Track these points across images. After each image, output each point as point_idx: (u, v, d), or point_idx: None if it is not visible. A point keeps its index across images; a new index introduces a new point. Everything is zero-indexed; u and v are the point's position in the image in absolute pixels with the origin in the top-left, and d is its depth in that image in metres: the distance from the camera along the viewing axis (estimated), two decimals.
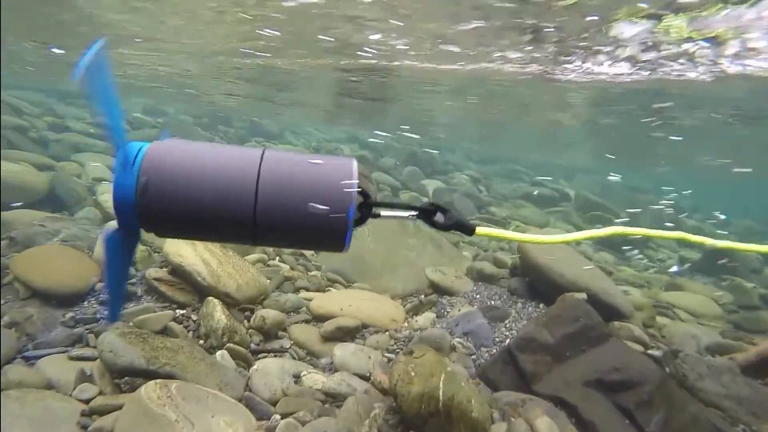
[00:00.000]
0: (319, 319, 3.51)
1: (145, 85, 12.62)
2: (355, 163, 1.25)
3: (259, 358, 2.93)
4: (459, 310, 3.77)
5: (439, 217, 1.44)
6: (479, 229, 1.41)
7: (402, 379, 2.00)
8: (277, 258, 5.00)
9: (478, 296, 4.08)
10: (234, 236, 1.20)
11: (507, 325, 3.50)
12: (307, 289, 4.17)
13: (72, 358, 2.61)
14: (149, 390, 2.02)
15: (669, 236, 1.54)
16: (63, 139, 8.69)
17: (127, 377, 2.28)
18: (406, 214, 1.36)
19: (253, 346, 3.07)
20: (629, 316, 3.84)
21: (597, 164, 25.02)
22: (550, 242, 1.44)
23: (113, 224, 1.25)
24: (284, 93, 11.65)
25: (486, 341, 3.24)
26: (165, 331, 3.00)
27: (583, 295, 3.58)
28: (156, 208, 1.08)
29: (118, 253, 1.20)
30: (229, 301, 3.32)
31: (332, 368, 2.95)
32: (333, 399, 2.59)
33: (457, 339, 3.28)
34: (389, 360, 3.03)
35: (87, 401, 2.23)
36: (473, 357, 3.14)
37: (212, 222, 1.13)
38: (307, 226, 1.18)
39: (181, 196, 1.10)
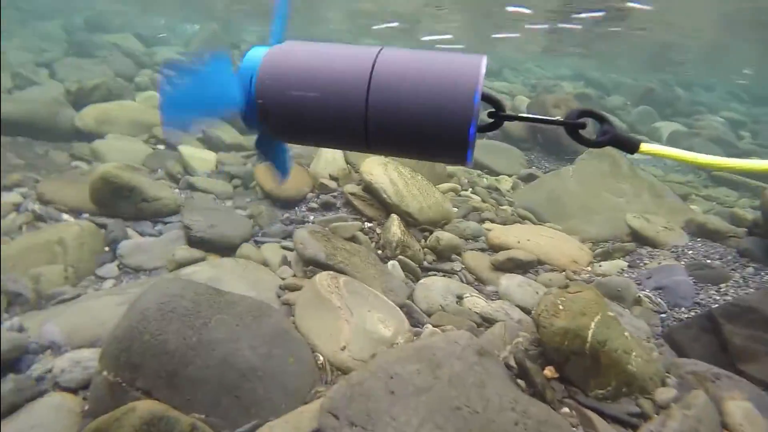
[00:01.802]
0: (495, 249, 3.47)
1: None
2: (483, 63, 1.08)
3: (428, 275, 3.11)
4: (659, 263, 3.20)
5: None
6: (645, 146, 1.09)
7: (547, 310, 1.86)
8: (470, 189, 5.05)
9: (690, 252, 3.35)
10: (344, 144, 1.20)
11: (722, 290, 2.80)
12: (492, 221, 4.14)
13: (282, 247, 3.25)
14: (322, 278, 2.40)
15: None
16: None
17: (311, 266, 2.74)
18: (552, 118, 1.14)
19: (425, 263, 3.27)
20: None
21: None
22: (752, 168, 1.04)
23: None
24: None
25: (684, 301, 2.68)
26: (353, 239, 3.44)
27: None
28: (269, 105, 1.13)
29: (216, 89, 1.23)
30: (410, 221, 3.57)
31: (497, 296, 2.94)
32: (488, 323, 2.60)
33: (646, 292, 2.81)
34: None
35: (284, 279, 2.79)
36: (662, 315, 2.66)
37: (323, 127, 1.15)
38: (422, 134, 1.09)
39: (292, 101, 1.13)
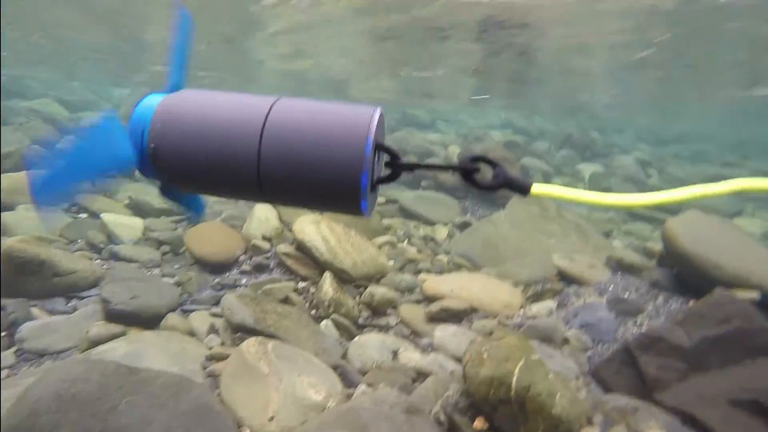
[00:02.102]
0: (430, 299, 3.51)
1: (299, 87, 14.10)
2: (376, 114, 1.05)
3: (364, 332, 3.07)
4: (584, 301, 3.36)
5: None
6: (537, 187, 1.15)
7: (472, 360, 1.88)
8: (406, 241, 5.13)
9: (611, 287, 3.56)
10: (240, 194, 1.18)
11: (638, 321, 2.98)
12: (429, 272, 4.20)
13: (211, 315, 3.11)
14: (249, 345, 2.30)
15: None
16: None
17: (240, 333, 2.62)
18: (447, 165, 1.17)
19: (361, 320, 3.23)
20: None
21: None
22: (633, 205, 1.12)
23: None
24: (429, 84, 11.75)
25: (606, 336, 2.82)
26: (287, 300, 3.36)
27: (753, 294, 2.83)
28: (162, 153, 1.11)
29: (107, 148, 1.14)
30: (344, 277, 3.55)
31: (432, 348, 2.93)
32: (423, 377, 2.58)
33: (573, 331, 2.92)
34: None
35: (211, 348, 2.65)
36: (588, 353, 2.76)
37: (216, 176, 1.12)
38: (315, 184, 1.09)
39: (185, 148, 1.11)
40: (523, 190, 1.13)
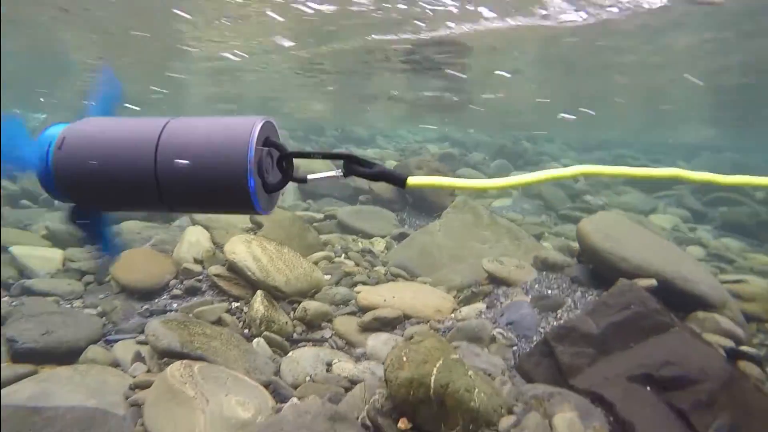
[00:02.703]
0: (364, 310, 3.55)
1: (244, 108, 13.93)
2: (258, 123, 1.17)
3: (298, 347, 3.06)
4: (511, 300, 3.54)
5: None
6: (412, 179, 1.26)
7: (392, 364, 1.95)
8: (344, 255, 5.16)
9: (537, 286, 3.78)
10: (146, 205, 1.26)
11: (558, 315, 3.19)
12: (365, 284, 4.24)
13: (138, 343, 2.98)
14: (173, 369, 2.24)
15: (661, 175, 1.23)
16: None
17: (166, 358, 2.54)
18: (333, 173, 1.28)
19: (295, 335, 3.22)
20: (720, 306, 3.24)
21: (726, 139, 21.57)
22: (493, 186, 1.25)
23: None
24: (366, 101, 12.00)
25: (529, 332, 2.99)
26: (219, 321, 3.29)
27: (652, 281, 3.12)
28: (68, 176, 1.19)
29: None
30: (278, 294, 3.53)
31: (365, 357, 2.97)
32: (354, 386, 2.61)
33: (498, 330, 3.08)
34: None
35: (135, 377, 2.54)
36: (514, 348, 2.92)
37: (120, 192, 1.20)
38: (209, 188, 1.19)
39: (90, 166, 1.19)
40: (400, 182, 1.23)
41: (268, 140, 1.25)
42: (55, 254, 4.41)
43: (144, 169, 1.17)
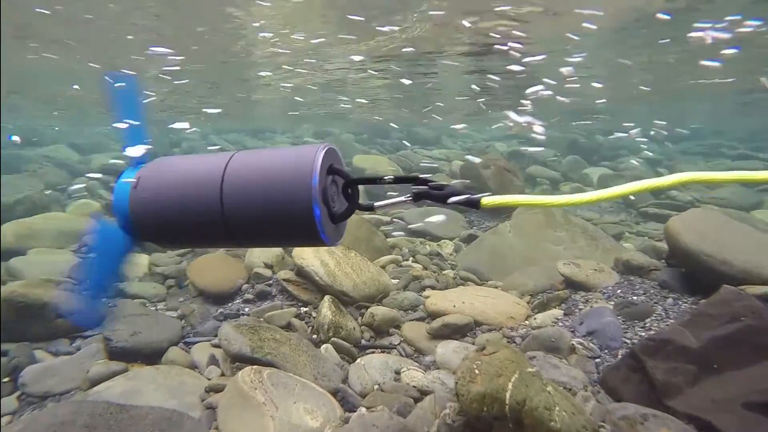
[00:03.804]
0: (433, 316, 3.45)
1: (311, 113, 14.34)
2: (320, 150, 1.19)
3: (366, 353, 3.02)
4: (591, 307, 3.26)
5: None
6: (486, 200, 1.18)
7: (464, 377, 1.83)
8: (411, 259, 5.08)
9: (619, 291, 3.46)
10: (215, 240, 1.28)
11: (646, 325, 2.87)
12: (433, 288, 4.14)
13: (213, 345, 3.10)
14: (244, 374, 2.28)
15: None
16: None
17: (237, 362, 2.60)
18: (401, 198, 1.23)
19: (363, 341, 3.19)
20: None
21: None
22: (579, 202, 1.11)
23: (106, 218, 1.45)
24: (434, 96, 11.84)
25: (613, 342, 2.72)
26: (288, 326, 3.34)
27: (765, 289, 2.71)
28: (143, 216, 1.23)
29: (111, 249, 1.38)
30: (346, 299, 3.52)
31: (435, 366, 2.87)
32: (425, 396, 2.51)
33: (578, 339, 2.83)
34: None
35: (210, 380, 2.63)
36: (596, 360, 2.66)
37: (190, 228, 1.23)
38: (275, 223, 1.17)
39: (161, 206, 1.23)
40: (474, 203, 1.15)
41: (331, 168, 1.22)
42: (143, 259, 4.74)
43: (210, 206, 1.19)
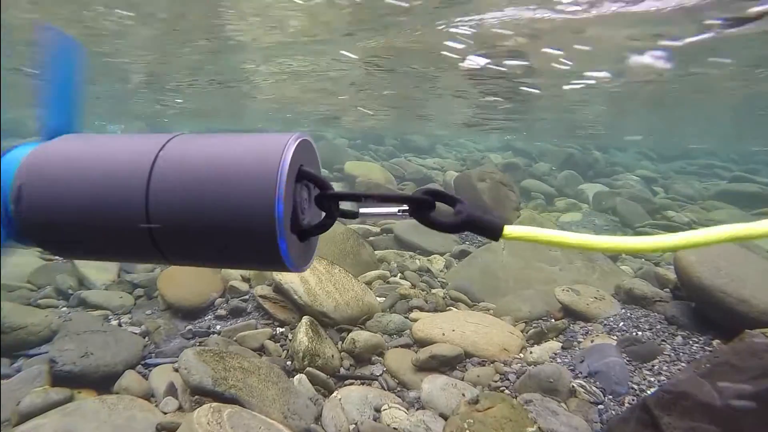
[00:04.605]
0: (420, 343, 3.17)
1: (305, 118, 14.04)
2: (289, 146, 0.84)
3: (345, 385, 2.72)
4: (592, 341, 3.00)
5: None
6: (510, 231, 0.83)
7: None
8: (399, 275, 4.80)
9: (622, 323, 3.20)
10: (135, 254, 0.92)
11: (655, 368, 2.60)
12: (422, 309, 3.86)
13: (175, 369, 2.78)
14: (201, 414, 1.98)
15: None
16: None
17: (197, 396, 2.29)
18: (394, 209, 0.89)
19: (342, 370, 2.90)
20: None
21: None
22: (641, 248, 0.80)
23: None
24: (428, 104, 11.61)
25: (619, 387, 2.45)
26: (261, 348, 3.04)
27: None
28: (31, 216, 0.88)
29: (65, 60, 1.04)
30: (326, 321, 3.23)
31: (420, 404, 2.58)
32: None
33: (580, 381, 2.56)
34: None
35: (166, 414, 2.32)
36: (599, 406, 2.39)
37: (97, 235, 0.88)
38: (221, 237, 0.83)
39: (61, 203, 0.88)
40: (494, 233, 0.82)
41: (303, 172, 0.88)
42: (112, 265, 4.41)
43: (131, 208, 0.84)
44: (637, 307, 3.46)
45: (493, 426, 1.56)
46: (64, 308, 3.75)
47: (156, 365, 2.85)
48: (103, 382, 2.63)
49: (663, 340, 2.87)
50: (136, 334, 3.21)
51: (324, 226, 0.93)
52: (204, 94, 11.12)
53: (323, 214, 0.93)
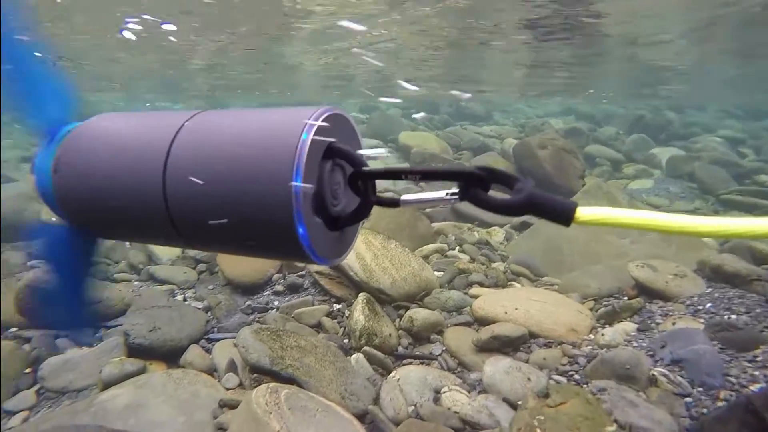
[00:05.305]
0: (481, 322, 3.03)
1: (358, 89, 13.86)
2: (318, 114, 0.73)
3: (403, 365, 2.66)
4: (673, 323, 2.72)
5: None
6: (583, 214, 0.68)
7: None
8: (457, 248, 4.64)
9: (709, 304, 2.87)
10: (162, 239, 0.88)
11: (758, 359, 2.29)
12: (482, 285, 3.70)
13: (236, 345, 2.83)
14: (259, 394, 1.98)
15: None
16: None
17: (256, 374, 2.31)
18: (441, 194, 0.77)
19: (400, 349, 2.83)
20: None
21: None
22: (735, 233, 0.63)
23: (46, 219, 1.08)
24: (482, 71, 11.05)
25: (710, 379, 2.18)
26: (318, 325, 3.04)
27: None
28: (67, 194, 0.88)
29: (66, 254, 1.02)
30: (383, 298, 3.16)
31: (482, 387, 2.46)
32: (471, 428, 2.13)
33: (661, 368, 2.32)
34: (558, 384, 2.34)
35: (228, 390, 2.36)
36: (687, 399, 2.15)
37: (127, 220, 0.85)
38: (241, 231, 0.75)
39: (87, 175, 0.86)
40: (566, 215, 0.66)
41: (333, 149, 0.76)
42: None
43: (150, 193, 0.79)
44: (728, 287, 3.09)
45: (567, 425, 1.41)
46: (137, 282, 3.97)
47: (218, 340, 2.92)
48: (170, 355, 2.73)
49: (766, 327, 2.53)
50: (199, 309, 3.31)
51: (358, 215, 0.80)
52: (259, 68, 11.22)
53: (359, 201, 0.81)
